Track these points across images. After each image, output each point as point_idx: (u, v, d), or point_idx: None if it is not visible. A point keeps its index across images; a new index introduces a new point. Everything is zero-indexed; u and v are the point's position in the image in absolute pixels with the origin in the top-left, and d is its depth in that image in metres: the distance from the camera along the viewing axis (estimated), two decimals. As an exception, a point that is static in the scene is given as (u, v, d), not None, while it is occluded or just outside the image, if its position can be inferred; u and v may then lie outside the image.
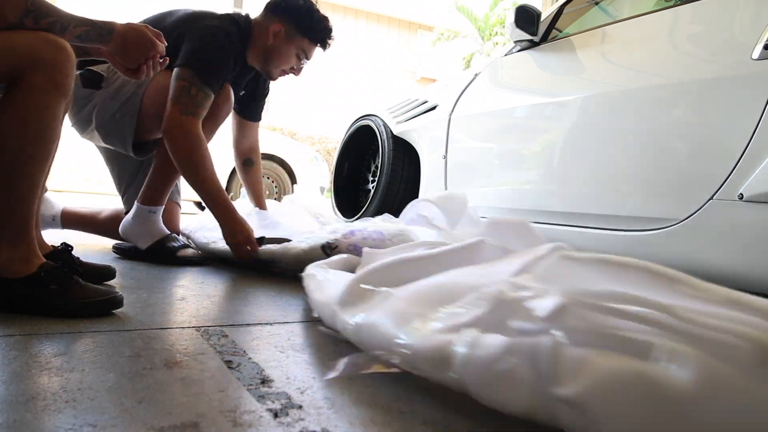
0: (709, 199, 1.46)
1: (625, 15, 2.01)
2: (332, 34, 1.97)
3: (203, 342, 0.90)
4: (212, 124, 1.80)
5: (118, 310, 1.06)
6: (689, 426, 0.49)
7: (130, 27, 1.20)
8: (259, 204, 2.22)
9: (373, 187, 2.83)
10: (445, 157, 2.43)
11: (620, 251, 1.72)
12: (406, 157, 2.70)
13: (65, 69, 1.03)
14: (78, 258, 1.20)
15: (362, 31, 14.57)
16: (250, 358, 0.83)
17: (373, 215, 2.22)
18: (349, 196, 3.07)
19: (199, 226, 2.02)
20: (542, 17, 2.19)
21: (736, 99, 1.46)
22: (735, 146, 1.42)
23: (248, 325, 1.04)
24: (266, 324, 1.06)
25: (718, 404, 0.48)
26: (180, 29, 1.76)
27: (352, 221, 2.28)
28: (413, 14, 14.91)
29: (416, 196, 2.54)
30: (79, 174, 4.63)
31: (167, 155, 1.75)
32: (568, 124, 1.93)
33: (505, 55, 2.42)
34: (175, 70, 1.69)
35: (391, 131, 2.77)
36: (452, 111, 2.44)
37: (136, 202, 1.80)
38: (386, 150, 2.71)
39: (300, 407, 0.66)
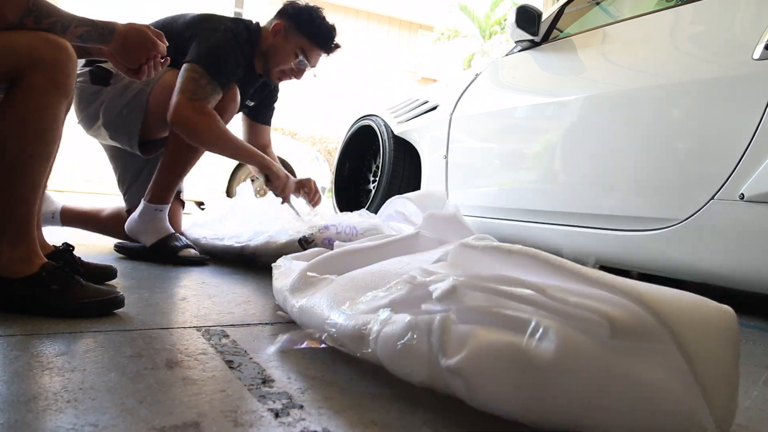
0: (710, 199, 1.46)
1: (626, 15, 2.01)
2: (335, 37, 1.94)
3: (204, 342, 0.90)
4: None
5: (120, 310, 1.06)
6: (552, 390, 0.55)
7: (131, 27, 1.20)
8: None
9: (374, 187, 2.83)
10: (445, 157, 2.43)
11: (621, 251, 1.72)
12: (406, 157, 2.70)
13: (66, 69, 1.03)
14: (79, 258, 1.20)
15: (362, 31, 14.57)
16: (251, 358, 0.83)
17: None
18: (350, 196, 3.07)
19: (192, 223, 2.08)
20: (543, 17, 2.19)
21: (737, 99, 1.46)
22: (736, 146, 1.42)
23: (249, 325, 1.04)
24: (267, 324, 1.06)
25: (576, 371, 0.54)
26: (192, 30, 1.78)
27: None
28: (413, 14, 14.91)
29: (417, 196, 2.54)
30: (80, 173, 4.64)
31: (174, 153, 1.76)
32: (568, 124, 1.93)
33: (506, 55, 2.42)
34: (184, 65, 1.70)
35: (391, 131, 2.76)
36: (453, 111, 2.44)
37: (143, 200, 1.80)
38: (387, 150, 2.71)
39: (301, 407, 0.66)
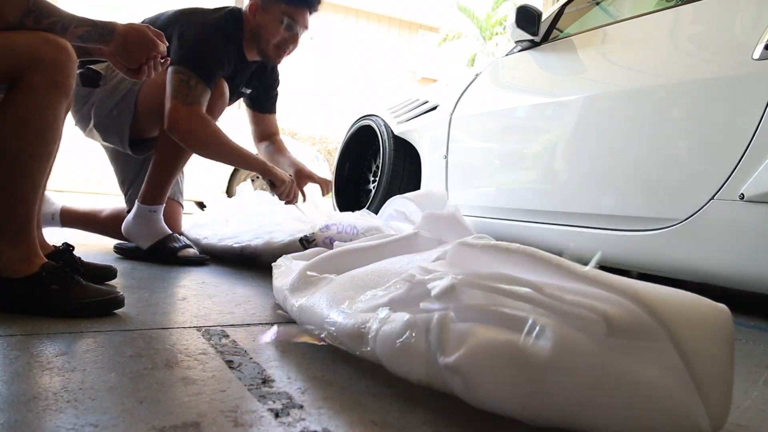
0: (710, 199, 1.46)
1: (626, 15, 2.01)
2: None
3: (204, 342, 0.90)
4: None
5: (120, 310, 1.06)
6: (549, 387, 0.55)
7: (131, 27, 1.20)
8: (294, 163, 2.16)
9: (374, 187, 2.83)
10: (446, 157, 2.43)
11: (621, 251, 1.72)
12: (406, 157, 2.70)
13: (66, 69, 1.03)
14: (79, 258, 1.20)
15: (362, 31, 14.56)
16: (251, 358, 0.83)
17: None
18: (351, 196, 3.07)
19: (193, 224, 2.08)
20: (543, 17, 2.19)
21: (737, 99, 1.46)
22: (736, 146, 1.42)
23: (249, 325, 1.04)
24: (267, 324, 1.06)
25: (572, 368, 0.54)
26: (172, 27, 1.76)
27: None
28: (414, 14, 14.89)
29: (417, 196, 2.54)
30: (79, 173, 4.64)
31: (165, 152, 1.76)
32: (568, 124, 1.93)
33: (506, 55, 2.42)
34: (170, 68, 1.70)
35: (392, 131, 2.76)
36: (453, 111, 2.44)
37: (136, 202, 1.80)
38: (387, 150, 2.71)
39: (301, 407, 0.66)
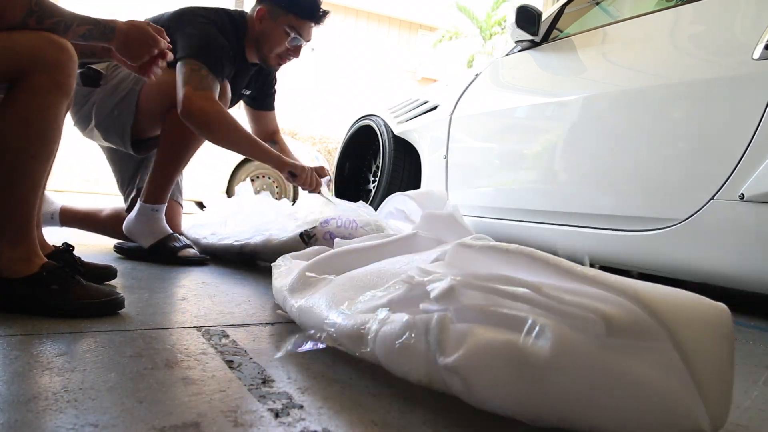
0: (710, 199, 1.46)
1: (626, 15, 2.01)
2: (320, 5, 1.89)
3: (204, 342, 0.90)
4: None
5: (120, 310, 1.06)
6: (548, 387, 0.55)
7: (131, 24, 1.20)
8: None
9: (374, 187, 2.83)
10: (446, 157, 2.43)
11: (621, 251, 1.72)
12: (406, 157, 2.70)
13: (67, 69, 1.03)
14: (79, 258, 1.20)
15: (362, 31, 14.56)
16: (251, 358, 0.83)
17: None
18: (351, 196, 3.07)
19: (192, 224, 2.08)
20: (543, 17, 2.19)
21: (737, 99, 1.46)
22: (736, 146, 1.42)
23: (249, 325, 1.04)
24: (267, 324, 1.06)
25: (571, 368, 0.54)
26: (174, 27, 1.76)
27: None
28: (413, 14, 14.89)
29: (417, 196, 2.54)
30: (78, 173, 4.64)
31: (167, 151, 1.76)
32: (568, 124, 1.93)
33: (506, 55, 2.42)
34: (178, 62, 1.70)
35: (392, 131, 2.77)
36: (453, 111, 2.44)
37: (138, 200, 1.80)
38: (387, 150, 2.71)
39: (301, 407, 0.66)
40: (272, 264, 1.27)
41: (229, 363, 0.81)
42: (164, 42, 1.25)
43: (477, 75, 2.49)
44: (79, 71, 1.78)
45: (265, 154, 1.78)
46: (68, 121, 1.22)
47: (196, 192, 4.37)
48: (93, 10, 1.27)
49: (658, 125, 1.65)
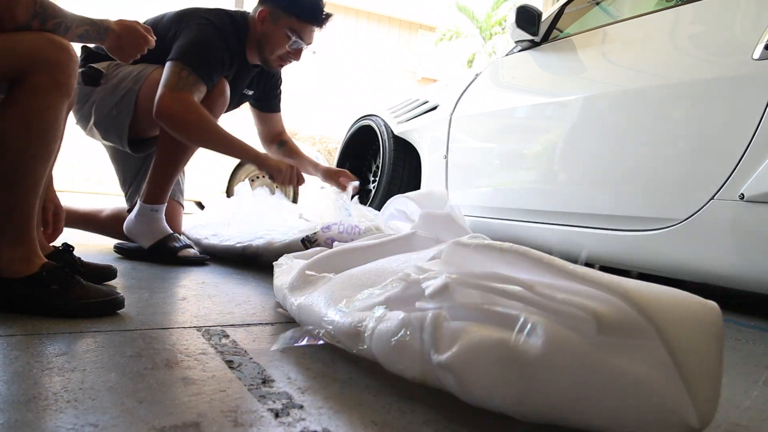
0: (710, 200, 1.46)
1: (626, 15, 2.01)
2: (322, 8, 1.87)
3: (204, 342, 0.90)
4: None
5: (120, 310, 1.06)
6: (539, 384, 0.56)
7: (123, 24, 1.23)
8: (313, 164, 2.17)
9: (374, 187, 2.83)
10: (446, 157, 2.43)
11: (621, 251, 1.72)
12: (406, 157, 2.70)
13: (68, 69, 1.03)
14: (79, 258, 1.20)
15: (362, 31, 14.56)
16: (251, 358, 0.83)
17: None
18: (350, 196, 3.07)
19: (193, 224, 2.08)
20: (543, 17, 2.19)
21: (737, 99, 1.46)
22: (736, 146, 1.42)
23: (249, 325, 1.04)
24: (267, 324, 1.06)
25: (562, 366, 0.54)
26: (174, 28, 1.77)
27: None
28: (413, 14, 14.89)
29: (417, 196, 2.54)
30: (79, 172, 4.64)
31: (166, 150, 1.76)
32: (568, 124, 1.93)
33: (506, 55, 2.42)
34: (166, 64, 1.70)
35: (392, 131, 2.77)
36: (453, 111, 2.44)
37: (138, 201, 1.80)
38: (387, 150, 2.71)
39: (301, 407, 0.66)
40: (274, 263, 1.28)
41: (229, 363, 0.81)
42: (152, 40, 1.29)
43: (477, 75, 2.49)
44: (80, 70, 1.78)
45: (243, 152, 1.76)
46: (70, 120, 1.23)
47: (195, 192, 4.37)
48: (93, 10, 1.28)
49: (658, 125, 1.65)
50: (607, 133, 1.80)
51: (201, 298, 1.26)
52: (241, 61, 1.91)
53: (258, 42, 1.89)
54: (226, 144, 1.72)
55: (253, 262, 1.80)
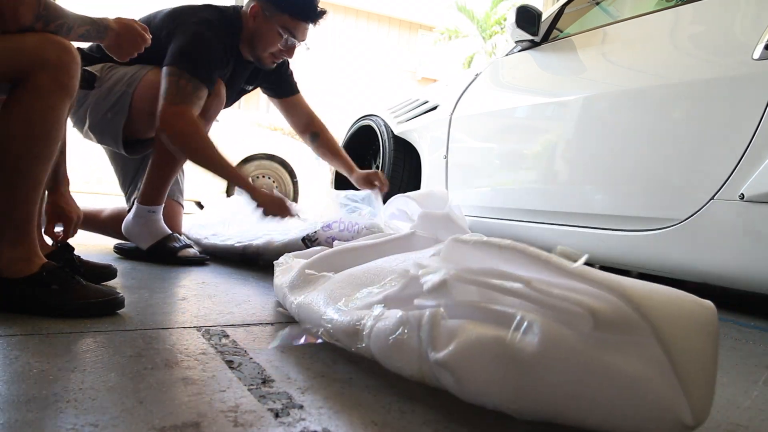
0: (710, 200, 1.46)
1: (626, 15, 2.01)
2: (317, 4, 1.84)
3: (204, 342, 0.90)
4: (203, 122, 1.79)
5: (120, 310, 1.06)
6: (535, 382, 0.56)
7: (121, 23, 1.23)
8: (349, 166, 2.17)
9: (373, 187, 2.83)
10: (446, 157, 2.43)
11: (621, 251, 1.72)
12: (406, 157, 2.70)
13: (70, 70, 1.03)
14: (79, 258, 1.20)
15: (362, 31, 14.56)
16: (251, 358, 0.83)
17: (374, 215, 2.22)
18: (350, 195, 3.07)
19: (193, 224, 2.09)
20: (543, 17, 2.19)
21: (737, 99, 1.46)
22: (736, 146, 1.42)
23: (249, 325, 1.04)
24: (267, 324, 1.06)
25: (558, 363, 0.55)
26: (166, 28, 1.76)
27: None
28: (413, 14, 14.89)
29: (417, 196, 2.54)
30: (79, 173, 4.64)
31: (163, 152, 1.76)
32: (569, 124, 1.93)
33: (506, 55, 2.42)
34: (164, 69, 1.70)
35: (391, 131, 2.77)
36: (453, 111, 2.44)
37: (135, 202, 1.80)
38: (387, 150, 2.71)
39: (301, 407, 0.66)
40: (275, 262, 1.28)
41: (229, 363, 0.81)
42: (149, 38, 1.30)
43: (477, 75, 2.49)
44: None
45: (238, 180, 1.80)
46: (70, 121, 1.24)
47: (195, 192, 4.37)
48: (92, 10, 1.28)
49: (658, 125, 1.65)
50: (607, 133, 1.80)
51: (201, 298, 1.26)
52: (237, 58, 1.90)
53: (250, 39, 1.86)
54: (217, 165, 1.75)
55: (253, 261, 1.79)
